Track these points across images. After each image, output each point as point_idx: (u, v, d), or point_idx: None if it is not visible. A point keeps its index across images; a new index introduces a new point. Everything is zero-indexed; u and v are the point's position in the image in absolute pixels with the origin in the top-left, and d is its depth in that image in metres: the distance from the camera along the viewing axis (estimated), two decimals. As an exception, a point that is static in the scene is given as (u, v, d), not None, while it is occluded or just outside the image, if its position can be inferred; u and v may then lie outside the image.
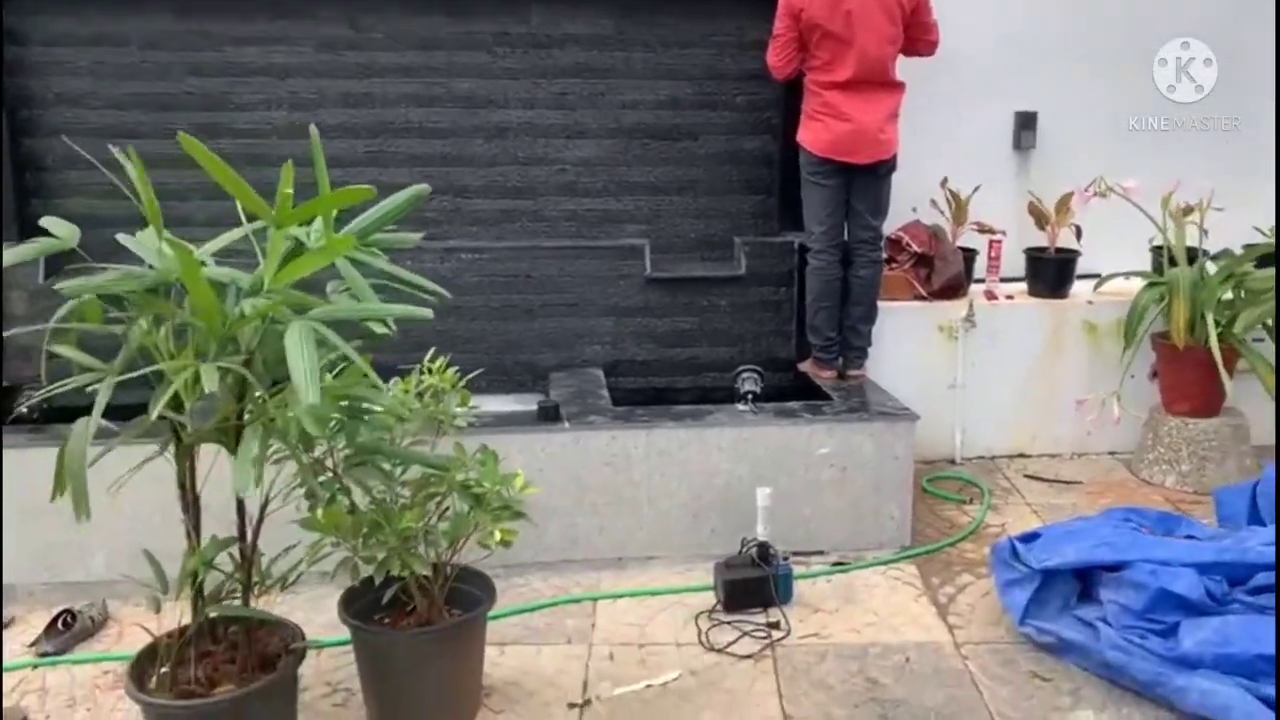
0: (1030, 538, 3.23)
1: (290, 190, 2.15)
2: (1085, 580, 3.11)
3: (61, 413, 3.59)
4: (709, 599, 3.32)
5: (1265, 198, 4.57)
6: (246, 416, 2.19)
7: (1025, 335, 4.53)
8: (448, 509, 2.58)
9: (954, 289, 4.50)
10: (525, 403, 4.34)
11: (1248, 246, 4.28)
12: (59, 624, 3.10)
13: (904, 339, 4.40)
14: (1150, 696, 2.74)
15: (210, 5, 4.15)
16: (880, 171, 3.97)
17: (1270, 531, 3.10)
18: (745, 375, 3.79)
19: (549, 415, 3.56)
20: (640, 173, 4.47)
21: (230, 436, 2.30)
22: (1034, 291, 4.65)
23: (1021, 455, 4.61)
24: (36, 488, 3.29)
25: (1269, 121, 4.85)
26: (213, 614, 2.32)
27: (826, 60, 3.81)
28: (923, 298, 4.47)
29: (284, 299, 2.13)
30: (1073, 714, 2.74)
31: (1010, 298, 4.60)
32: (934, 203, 4.61)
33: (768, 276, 4.33)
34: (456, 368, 2.67)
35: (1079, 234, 4.57)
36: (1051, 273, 4.58)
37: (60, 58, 4.14)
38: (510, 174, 4.41)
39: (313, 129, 2.22)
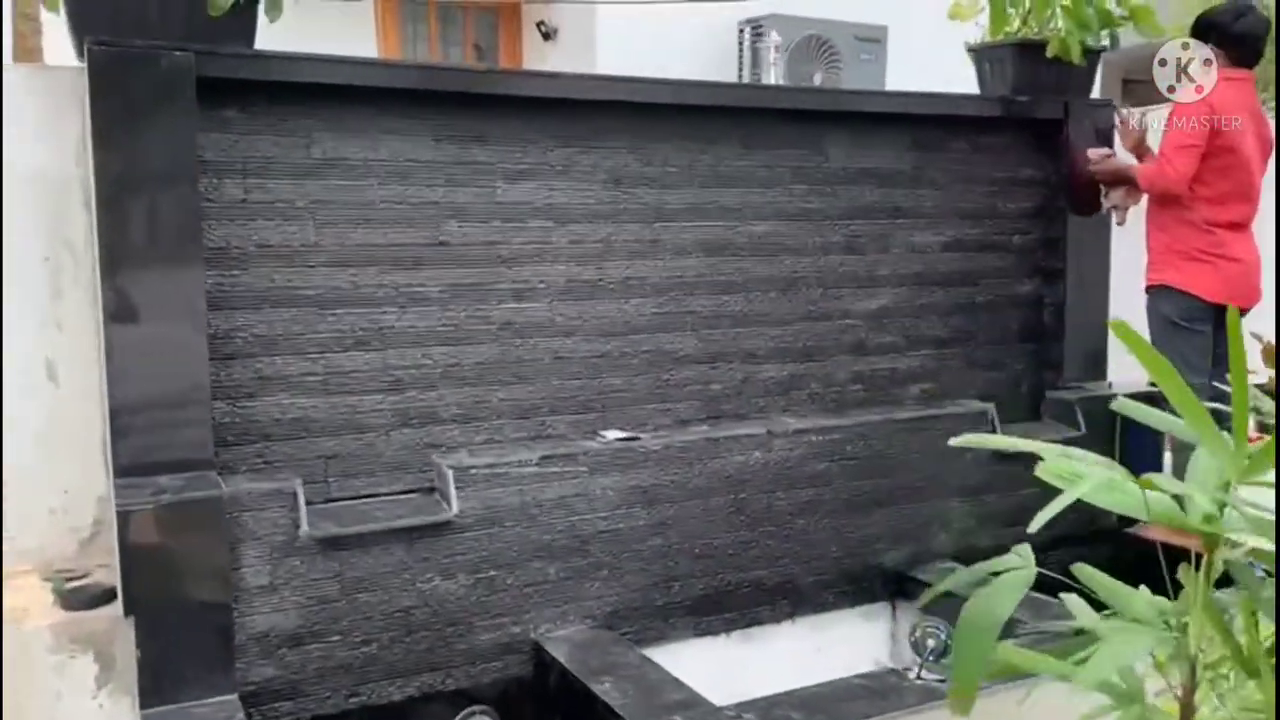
0: None
1: None
2: None
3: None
4: None
5: None
6: None
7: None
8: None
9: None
10: (875, 617, 3.56)
11: None
12: None
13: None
14: None
15: (481, 125, 3.10)
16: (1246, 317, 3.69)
17: None
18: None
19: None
20: (927, 324, 3.88)
21: None
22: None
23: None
24: None
25: None
26: None
27: (1225, 191, 3.48)
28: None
29: None
30: None
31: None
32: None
33: (1099, 436, 3.86)
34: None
35: None
36: None
37: (269, 196, 2.87)
38: (800, 333, 3.65)
39: None
